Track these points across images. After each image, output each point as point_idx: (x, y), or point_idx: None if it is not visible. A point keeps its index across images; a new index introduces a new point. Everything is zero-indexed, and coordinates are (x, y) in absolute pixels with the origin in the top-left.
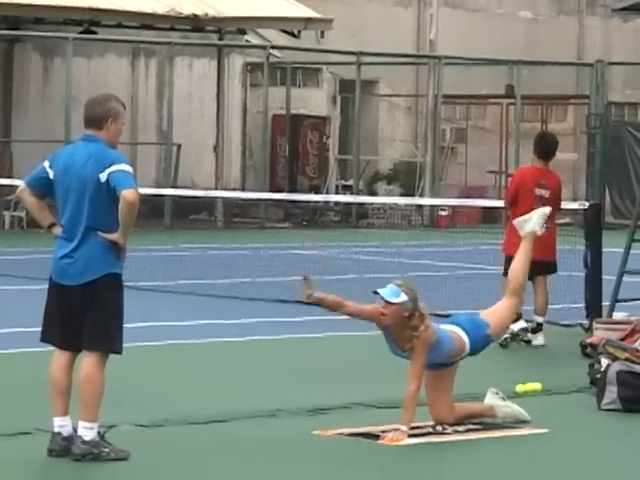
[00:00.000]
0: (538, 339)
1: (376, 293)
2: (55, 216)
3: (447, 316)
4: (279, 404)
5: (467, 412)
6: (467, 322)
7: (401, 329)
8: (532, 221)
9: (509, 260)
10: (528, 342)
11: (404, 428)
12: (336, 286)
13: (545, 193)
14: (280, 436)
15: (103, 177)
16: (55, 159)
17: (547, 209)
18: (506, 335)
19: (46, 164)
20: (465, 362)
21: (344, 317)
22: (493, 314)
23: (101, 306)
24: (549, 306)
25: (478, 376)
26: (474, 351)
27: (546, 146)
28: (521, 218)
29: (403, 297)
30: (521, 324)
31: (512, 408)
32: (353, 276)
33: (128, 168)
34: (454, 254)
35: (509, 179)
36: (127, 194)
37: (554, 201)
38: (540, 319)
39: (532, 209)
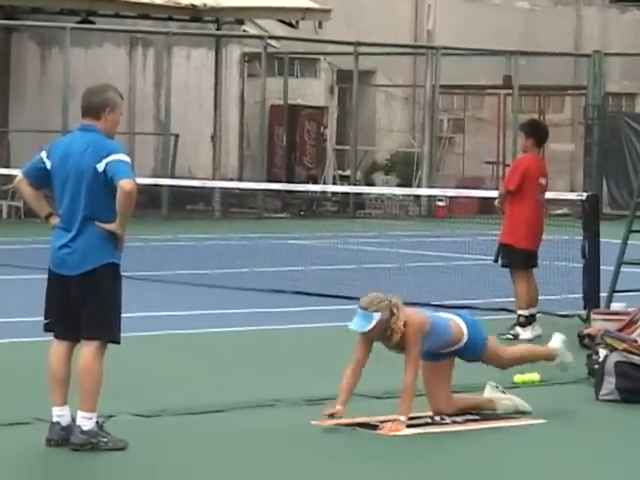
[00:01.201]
0: (535, 330)
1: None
2: (52, 206)
3: (443, 306)
4: (277, 394)
5: (467, 404)
6: (470, 319)
7: (387, 335)
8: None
9: (505, 249)
10: (516, 337)
11: (402, 418)
12: (334, 276)
13: (543, 181)
14: (278, 426)
15: (101, 167)
16: (52, 149)
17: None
18: (509, 336)
19: (43, 154)
20: None
21: (343, 307)
22: (495, 344)
23: (99, 296)
24: (545, 296)
25: (476, 367)
26: (469, 350)
27: (541, 133)
28: (566, 354)
29: (375, 317)
30: (528, 334)
31: (512, 400)
32: (351, 266)
33: (126, 158)
34: (451, 244)
35: (507, 169)
36: (124, 184)
37: (546, 188)
38: (533, 310)
39: (536, 198)
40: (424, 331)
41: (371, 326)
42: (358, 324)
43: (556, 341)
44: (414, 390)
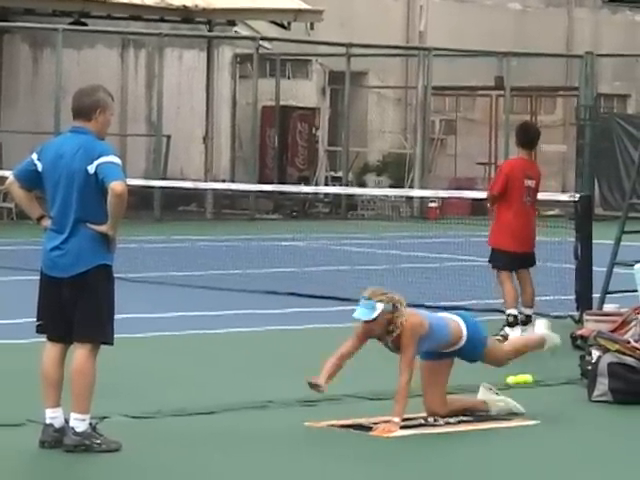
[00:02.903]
0: (528, 331)
1: (355, 319)
2: (43, 208)
3: (436, 307)
4: (270, 396)
5: (461, 405)
6: (470, 319)
7: (387, 330)
8: (554, 340)
9: (494, 251)
10: (505, 338)
11: (396, 419)
12: (327, 277)
13: (532, 183)
14: (271, 428)
15: (91, 169)
16: (43, 151)
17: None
18: (499, 337)
19: (34, 156)
20: None
21: (336, 309)
22: (493, 344)
23: (92, 297)
24: (537, 298)
25: (470, 367)
26: (467, 351)
27: (530, 135)
28: (553, 337)
29: (379, 308)
30: (517, 334)
31: (506, 402)
32: (344, 267)
33: (116, 160)
34: (444, 246)
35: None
36: (115, 186)
37: (537, 190)
38: (529, 311)
39: (522, 201)
40: (421, 333)
41: (375, 315)
42: (362, 313)
43: (540, 327)
44: (408, 391)
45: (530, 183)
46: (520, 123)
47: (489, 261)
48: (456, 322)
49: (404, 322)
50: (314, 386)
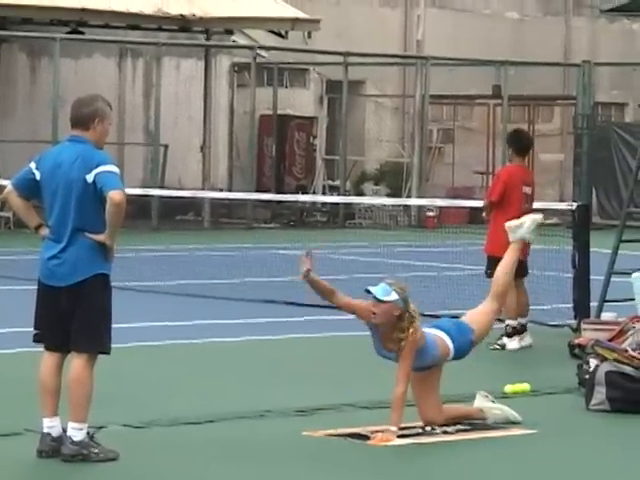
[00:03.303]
0: (525, 340)
1: (368, 292)
2: (41, 217)
3: (435, 316)
4: (268, 405)
5: (456, 414)
6: (452, 328)
7: (390, 329)
8: (524, 227)
9: (490, 259)
10: (502, 347)
11: (393, 428)
12: None
13: (528, 190)
14: (269, 437)
15: (90, 178)
16: (42, 160)
17: (539, 215)
18: (497, 346)
19: (32, 165)
20: (454, 363)
21: (333, 318)
22: (477, 318)
23: (89, 307)
24: (535, 307)
25: (467, 377)
26: (458, 356)
27: (524, 142)
28: (513, 222)
29: (394, 296)
30: (514, 345)
31: (503, 410)
32: (342, 277)
33: (114, 169)
34: (441, 255)
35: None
36: (113, 195)
37: (533, 198)
38: (524, 320)
39: (521, 207)
40: (420, 345)
41: (386, 298)
42: (377, 290)
43: (512, 234)
44: (404, 400)
45: (527, 190)
46: (511, 131)
47: (486, 270)
48: (442, 339)
49: (412, 332)
50: (308, 255)
